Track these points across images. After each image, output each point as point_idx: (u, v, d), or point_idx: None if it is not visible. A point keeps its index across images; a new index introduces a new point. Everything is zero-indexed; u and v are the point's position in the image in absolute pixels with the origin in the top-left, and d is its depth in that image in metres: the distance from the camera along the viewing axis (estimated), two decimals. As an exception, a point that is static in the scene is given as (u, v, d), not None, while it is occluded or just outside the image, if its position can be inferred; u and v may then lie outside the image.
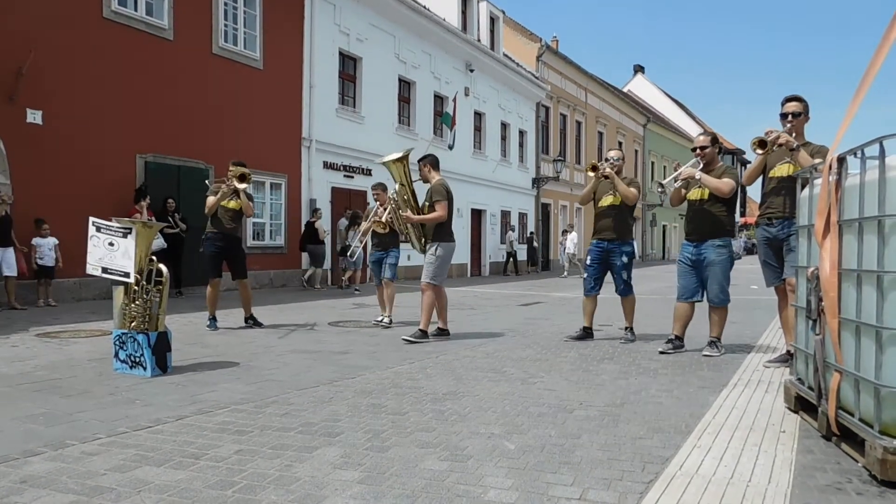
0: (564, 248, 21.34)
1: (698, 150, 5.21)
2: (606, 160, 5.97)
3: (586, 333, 6.06)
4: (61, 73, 9.42)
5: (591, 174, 5.99)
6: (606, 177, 5.85)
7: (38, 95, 9.13)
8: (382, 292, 7.35)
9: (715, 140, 5.28)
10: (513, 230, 22.23)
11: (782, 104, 4.63)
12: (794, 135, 4.48)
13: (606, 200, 5.91)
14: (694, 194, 5.19)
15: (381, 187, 7.46)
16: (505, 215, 23.05)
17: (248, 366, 4.68)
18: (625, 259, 5.84)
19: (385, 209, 7.10)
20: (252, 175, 6.92)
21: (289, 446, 2.77)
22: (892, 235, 2.39)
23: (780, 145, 4.43)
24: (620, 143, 33.88)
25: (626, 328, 6.03)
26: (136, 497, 2.20)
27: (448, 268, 6.10)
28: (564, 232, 22.56)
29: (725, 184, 5.01)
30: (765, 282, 4.87)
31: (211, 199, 6.62)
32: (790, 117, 4.55)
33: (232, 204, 6.63)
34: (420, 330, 5.92)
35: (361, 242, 8.36)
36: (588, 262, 6.02)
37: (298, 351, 5.39)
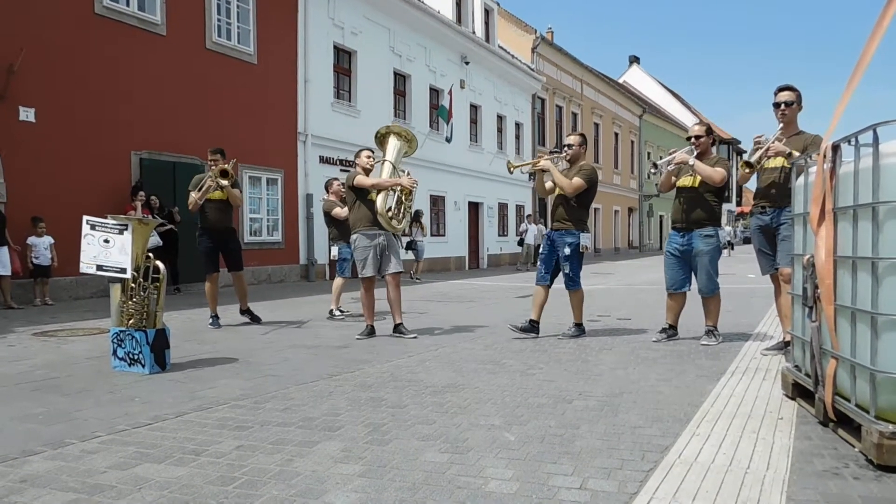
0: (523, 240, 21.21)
1: (693, 140, 5.23)
2: (566, 146, 5.80)
3: (532, 327, 5.71)
4: (53, 70, 9.38)
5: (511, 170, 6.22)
6: (544, 170, 5.68)
7: (30, 93, 9.09)
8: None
9: (710, 131, 5.32)
10: (534, 223, 21.67)
11: (775, 94, 4.65)
12: (782, 125, 4.56)
13: (557, 189, 5.68)
14: (685, 182, 5.19)
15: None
16: (503, 207, 23.03)
17: (248, 361, 4.69)
18: (567, 251, 5.48)
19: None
20: (234, 167, 6.40)
21: (289, 441, 2.78)
22: (887, 222, 2.40)
23: (769, 157, 4.51)
24: (616, 134, 33.88)
25: (574, 324, 5.73)
26: (137, 494, 2.20)
27: None
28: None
29: (717, 172, 5.02)
30: (760, 270, 4.89)
31: (192, 196, 6.28)
32: (783, 106, 4.57)
33: (217, 195, 6.26)
34: (401, 323, 5.87)
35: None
36: (541, 251, 5.84)
37: (297, 346, 5.39)
